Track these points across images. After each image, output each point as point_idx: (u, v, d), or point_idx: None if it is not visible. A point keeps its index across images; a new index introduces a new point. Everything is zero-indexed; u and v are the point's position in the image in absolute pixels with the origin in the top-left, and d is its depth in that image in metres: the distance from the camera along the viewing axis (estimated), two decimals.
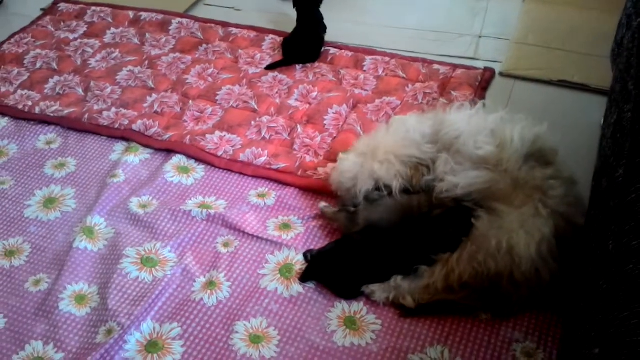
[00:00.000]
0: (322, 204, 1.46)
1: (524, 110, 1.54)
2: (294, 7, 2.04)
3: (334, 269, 1.30)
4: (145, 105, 1.83)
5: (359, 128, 1.70)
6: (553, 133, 1.35)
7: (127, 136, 1.72)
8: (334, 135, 1.70)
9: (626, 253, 0.87)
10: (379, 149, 1.38)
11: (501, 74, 1.88)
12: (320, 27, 2.02)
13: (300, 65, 1.96)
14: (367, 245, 1.30)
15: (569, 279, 1.20)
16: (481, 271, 1.17)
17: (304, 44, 1.98)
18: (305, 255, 1.36)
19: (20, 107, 1.85)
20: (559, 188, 1.25)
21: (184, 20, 2.21)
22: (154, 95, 1.87)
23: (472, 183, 1.25)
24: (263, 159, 1.63)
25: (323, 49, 2.02)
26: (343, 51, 2.02)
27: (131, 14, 2.27)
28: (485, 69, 1.89)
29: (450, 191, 1.28)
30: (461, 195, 1.27)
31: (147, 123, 1.75)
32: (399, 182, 1.34)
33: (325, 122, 1.74)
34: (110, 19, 2.25)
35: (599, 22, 2.05)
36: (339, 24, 2.17)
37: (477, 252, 1.18)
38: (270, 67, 1.95)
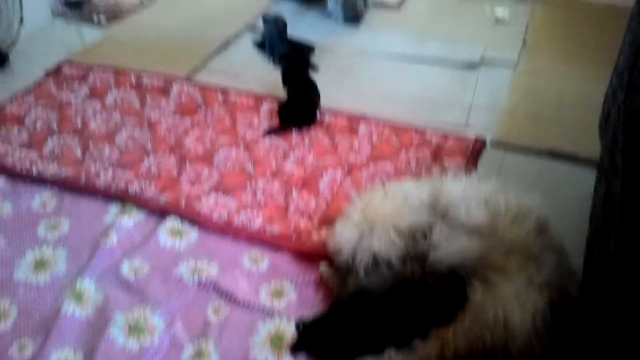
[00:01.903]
0: (323, 265, 1.44)
1: (515, 179, 1.55)
2: (283, 85, 2.10)
3: (325, 340, 1.26)
4: (142, 167, 1.84)
5: (353, 193, 1.70)
6: (545, 202, 1.35)
7: (122, 197, 1.72)
8: (329, 200, 1.70)
9: (621, 324, 0.85)
10: (377, 221, 1.37)
11: (492, 143, 1.91)
12: (313, 91, 2.08)
13: (297, 130, 1.99)
14: (359, 312, 1.27)
15: (562, 351, 1.17)
16: (477, 345, 1.14)
17: (299, 109, 2.02)
18: (297, 325, 1.32)
19: (18, 166, 1.86)
20: (551, 258, 1.25)
21: (185, 85, 2.26)
22: (152, 157, 1.88)
23: (466, 253, 1.24)
24: (257, 222, 1.62)
25: (319, 114, 2.06)
26: (338, 117, 2.06)
27: (133, 77, 2.32)
28: (477, 138, 1.92)
29: (445, 260, 1.27)
30: (455, 265, 1.26)
31: (143, 185, 1.75)
32: (397, 256, 1.33)
33: (320, 187, 1.75)
34: (112, 82, 2.30)
35: (587, 93, 2.11)
36: (335, 91, 2.22)
37: (473, 325, 1.15)
38: (269, 133, 1.98)
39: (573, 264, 1.30)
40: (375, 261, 1.34)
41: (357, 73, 2.38)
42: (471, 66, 2.36)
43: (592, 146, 1.74)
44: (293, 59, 2.36)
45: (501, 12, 2.81)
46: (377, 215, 1.38)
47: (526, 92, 2.17)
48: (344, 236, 1.38)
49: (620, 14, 2.71)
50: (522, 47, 2.49)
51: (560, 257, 1.28)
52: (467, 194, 1.36)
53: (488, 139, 1.92)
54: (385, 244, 1.33)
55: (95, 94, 2.23)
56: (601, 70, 2.20)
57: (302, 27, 2.73)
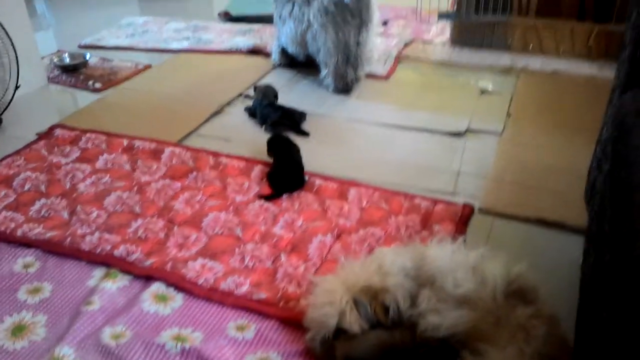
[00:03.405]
0: (309, 334, 1.41)
1: (504, 247, 1.55)
2: (268, 153, 2.16)
3: None
4: (129, 230, 1.83)
5: (342, 258, 1.69)
6: (533, 271, 1.35)
7: (107, 261, 1.69)
8: (318, 265, 1.69)
9: None
10: (350, 289, 1.36)
11: (480, 210, 1.92)
12: (295, 154, 2.12)
13: (287, 194, 2.01)
14: None
15: None
16: None
17: (287, 176, 2.05)
18: None
19: (2, 228, 1.83)
20: (541, 327, 1.23)
21: (177, 149, 2.29)
22: (139, 221, 1.87)
23: (456, 323, 1.22)
24: (244, 288, 1.60)
25: (308, 178, 2.08)
26: (328, 182, 2.08)
27: (125, 141, 2.35)
28: (465, 204, 1.94)
29: (435, 330, 1.24)
30: (445, 335, 1.23)
31: (130, 248, 1.73)
32: (359, 325, 1.31)
33: (309, 252, 1.73)
34: (104, 146, 2.33)
35: (571, 163, 2.16)
36: (326, 157, 2.26)
37: None
38: (261, 197, 1.99)
39: (564, 332, 1.28)
40: (338, 328, 1.31)
41: (348, 140, 2.43)
42: (458, 135, 2.43)
43: (577, 214, 1.76)
44: (282, 125, 2.42)
45: (486, 84, 2.92)
46: (350, 282, 1.37)
47: (511, 160, 2.22)
48: (316, 309, 1.36)
49: (600, 84, 2.85)
50: (507, 117, 2.57)
51: (551, 326, 1.26)
52: (454, 260, 1.35)
53: (476, 206, 1.93)
54: (353, 314, 1.31)
55: (86, 156, 2.25)
56: (584, 140, 2.28)
57: (294, 96, 2.81)
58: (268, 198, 1.98)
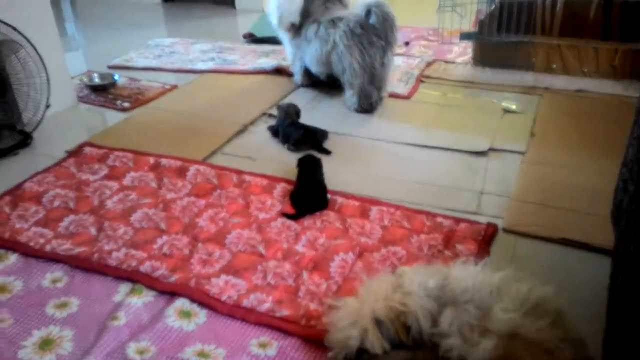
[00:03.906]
0: (330, 354, 1.40)
1: (528, 267, 1.53)
2: (298, 172, 2.19)
3: None
4: (155, 246, 1.85)
5: (364, 277, 1.69)
6: (559, 292, 1.33)
7: (133, 277, 1.72)
8: (340, 283, 1.69)
9: None
10: (370, 309, 1.35)
11: (504, 230, 1.91)
12: (319, 175, 2.14)
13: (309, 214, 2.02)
14: None
15: None
16: None
17: (311, 196, 2.06)
18: None
19: (31, 244, 1.87)
20: (568, 351, 1.21)
21: (202, 167, 2.32)
22: (165, 237, 1.90)
23: (480, 347, 1.21)
24: (267, 305, 1.60)
25: (330, 197, 2.09)
26: (350, 200, 2.09)
27: (152, 159, 2.39)
28: (488, 224, 1.93)
29: (459, 353, 1.23)
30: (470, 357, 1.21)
31: (155, 264, 1.75)
32: (381, 345, 1.30)
33: (331, 270, 1.74)
34: (131, 164, 2.37)
35: (595, 183, 2.13)
36: (347, 175, 2.27)
37: None
38: (285, 215, 2.00)
39: (591, 356, 1.26)
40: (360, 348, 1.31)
41: (369, 158, 2.44)
42: (480, 154, 2.42)
43: (603, 235, 1.74)
44: (304, 144, 2.45)
45: (509, 103, 2.92)
46: (372, 302, 1.36)
47: (535, 180, 2.20)
48: (339, 328, 1.36)
49: (625, 104, 2.82)
50: (530, 137, 2.55)
51: (577, 350, 1.24)
52: (478, 281, 1.34)
53: (500, 225, 1.92)
54: (375, 334, 1.30)
55: (114, 174, 2.30)
56: (608, 160, 2.25)
57: (316, 115, 2.84)
58: (291, 217, 2.00)
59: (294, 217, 2.00)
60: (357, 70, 2.77)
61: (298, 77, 3.17)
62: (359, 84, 2.80)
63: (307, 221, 1.98)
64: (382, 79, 2.86)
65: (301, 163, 2.21)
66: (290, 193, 2.12)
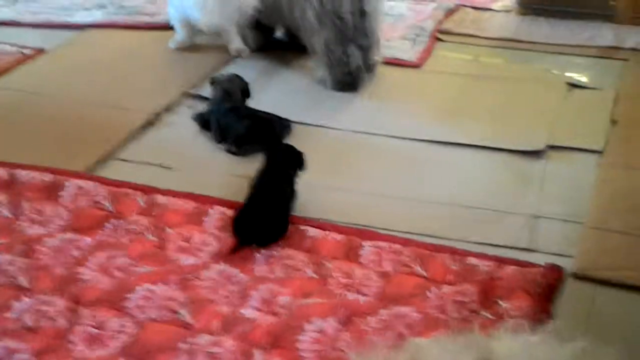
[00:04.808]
0: None
1: (613, 334, 1.54)
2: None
3: None
4: (10, 315, 1.82)
5: (353, 357, 1.69)
6: None
7: None
8: None
9: None
10: None
11: (575, 276, 1.92)
12: (292, 191, 2.15)
13: (262, 251, 2.01)
14: None
15: None
16: None
17: (262, 212, 2.06)
18: None
19: None
20: None
21: (85, 183, 2.29)
22: (26, 300, 1.86)
23: None
24: None
25: (295, 227, 2.09)
26: (328, 232, 2.08)
27: (2, 171, 2.36)
28: (549, 266, 1.94)
29: None
30: None
31: (10, 346, 1.72)
32: None
33: (300, 346, 1.73)
34: None
35: None
36: (323, 193, 2.27)
37: None
38: (223, 258, 1.99)
39: None
40: None
41: (357, 163, 2.45)
42: (533, 155, 2.45)
43: None
44: (253, 143, 2.45)
45: (576, 74, 2.96)
46: None
47: (621, 194, 2.24)
48: None
49: None
50: (611, 126, 2.60)
51: None
52: None
53: (567, 268, 1.94)
54: None
55: None
56: None
57: (272, 95, 2.85)
58: (228, 255, 1.99)
59: (233, 252, 2.00)
60: (312, 20, 2.80)
61: (178, 35, 3.17)
62: (320, 42, 2.82)
63: (259, 267, 1.96)
64: (366, 33, 2.88)
65: (272, 155, 2.21)
66: (232, 217, 2.10)
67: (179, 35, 3.21)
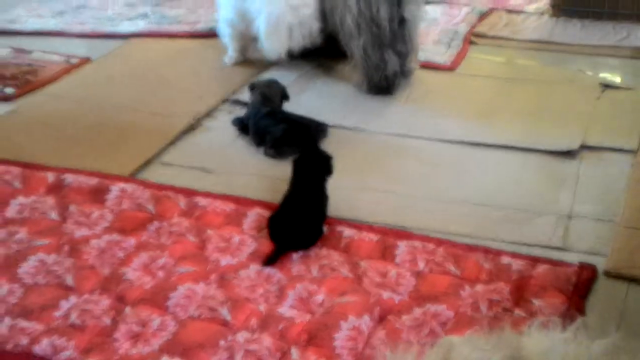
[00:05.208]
0: None
1: None
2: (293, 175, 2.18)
3: None
4: (57, 314, 1.85)
5: (389, 354, 1.69)
6: None
7: None
8: None
9: None
10: None
11: (607, 274, 1.91)
12: (323, 196, 2.15)
13: (299, 253, 2.02)
14: None
15: None
16: None
17: (297, 221, 2.06)
18: None
19: None
20: None
21: (129, 186, 2.33)
22: (73, 299, 1.89)
23: None
24: None
25: (330, 228, 2.10)
26: (364, 232, 2.09)
27: (51, 176, 2.40)
28: (582, 265, 1.92)
29: None
30: None
31: (58, 343, 1.74)
32: None
33: (336, 344, 1.73)
34: (18, 184, 2.38)
35: None
36: (359, 194, 2.28)
37: None
38: (266, 262, 2.00)
39: None
40: None
41: (392, 166, 2.45)
42: (567, 155, 2.44)
43: None
44: (290, 145, 2.45)
45: (610, 77, 2.93)
46: None
47: None
48: None
49: None
50: None
51: None
52: (569, 357, 1.34)
53: (600, 267, 1.92)
54: None
55: None
56: None
57: (309, 99, 2.86)
58: (270, 261, 2.00)
59: (272, 258, 2.00)
60: (350, 26, 2.79)
61: (232, 52, 3.15)
62: (358, 47, 2.83)
63: (296, 267, 1.97)
64: (405, 40, 2.88)
65: (299, 165, 2.20)
66: (268, 218, 2.12)
67: (234, 51, 3.20)
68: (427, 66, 3.08)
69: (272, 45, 3.00)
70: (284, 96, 2.69)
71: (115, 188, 2.32)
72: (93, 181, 2.36)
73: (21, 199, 2.30)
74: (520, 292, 1.85)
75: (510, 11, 3.59)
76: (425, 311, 1.82)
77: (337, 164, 2.35)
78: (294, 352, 1.72)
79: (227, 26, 3.13)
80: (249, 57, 3.20)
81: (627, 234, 2.05)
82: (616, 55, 3.11)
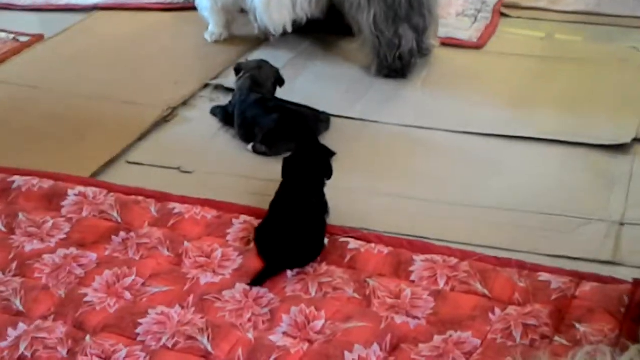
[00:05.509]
0: None
1: None
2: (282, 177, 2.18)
3: None
4: (3, 344, 1.84)
5: None
6: None
7: None
8: None
9: None
10: None
11: None
12: (321, 203, 2.16)
13: (294, 270, 2.02)
14: None
15: None
16: None
17: (289, 233, 2.06)
18: None
19: None
20: None
21: (90, 190, 2.33)
22: (22, 326, 1.88)
23: None
24: None
25: (332, 238, 2.09)
26: (374, 245, 2.08)
27: None
28: (637, 282, 1.91)
29: None
30: None
31: None
32: None
33: None
34: None
35: None
36: (367, 197, 2.28)
37: None
38: (252, 283, 2.00)
39: None
40: None
41: (405, 164, 2.45)
42: (618, 150, 2.44)
43: None
44: (283, 139, 2.46)
45: None
46: None
47: None
48: None
49: None
50: None
51: None
52: None
53: None
54: None
55: None
56: None
57: (306, 84, 2.87)
58: (256, 282, 2.00)
59: (259, 279, 2.00)
60: None
61: (214, 27, 3.17)
62: (368, 20, 2.83)
63: (291, 286, 1.97)
64: (423, 12, 2.89)
65: (292, 163, 2.21)
66: (255, 229, 2.12)
67: (216, 26, 3.21)
68: (449, 43, 3.09)
69: (273, 17, 3.00)
70: (278, 80, 2.69)
71: (74, 192, 2.32)
72: (47, 184, 2.37)
73: None
74: (562, 316, 1.85)
75: None
76: (446, 339, 1.81)
77: (340, 162, 2.36)
78: None
79: None
80: (235, 33, 3.19)
81: None
82: None
